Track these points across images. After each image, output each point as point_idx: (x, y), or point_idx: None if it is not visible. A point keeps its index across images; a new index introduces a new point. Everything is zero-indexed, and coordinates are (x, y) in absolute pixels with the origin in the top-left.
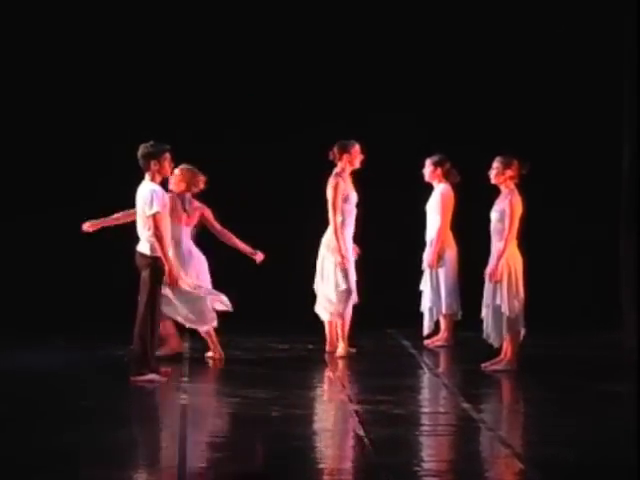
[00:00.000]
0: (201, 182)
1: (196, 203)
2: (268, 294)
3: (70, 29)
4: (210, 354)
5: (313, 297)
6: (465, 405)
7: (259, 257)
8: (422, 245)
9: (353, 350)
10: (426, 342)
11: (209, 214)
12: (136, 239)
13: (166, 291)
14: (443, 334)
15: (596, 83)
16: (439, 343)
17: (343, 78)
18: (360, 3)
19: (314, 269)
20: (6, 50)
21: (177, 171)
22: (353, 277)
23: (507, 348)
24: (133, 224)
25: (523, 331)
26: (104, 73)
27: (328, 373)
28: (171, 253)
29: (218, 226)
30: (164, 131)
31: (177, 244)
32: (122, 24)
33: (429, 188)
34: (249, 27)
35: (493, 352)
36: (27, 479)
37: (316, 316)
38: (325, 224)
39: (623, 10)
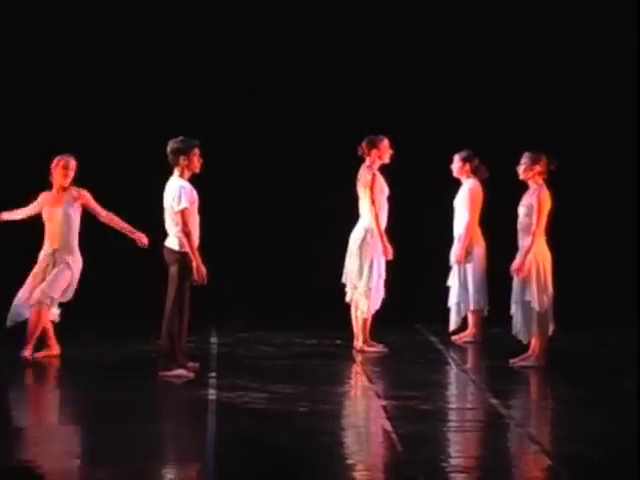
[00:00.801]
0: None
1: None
2: (295, 290)
3: (67, 29)
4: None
5: (340, 292)
6: (493, 401)
7: (143, 240)
8: (450, 241)
9: (383, 347)
10: (454, 338)
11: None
12: (165, 234)
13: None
14: (471, 330)
15: (618, 76)
16: (467, 339)
17: (363, 76)
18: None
19: (342, 264)
20: (4, 49)
21: (60, 162)
22: (383, 273)
23: (535, 344)
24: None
25: (552, 327)
26: (99, 73)
27: (356, 368)
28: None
29: (104, 211)
30: (169, 131)
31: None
32: (118, 26)
33: (457, 184)
34: (252, 27)
35: (521, 348)
36: (58, 473)
37: (343, 311)
38: (353, 219)
39: None
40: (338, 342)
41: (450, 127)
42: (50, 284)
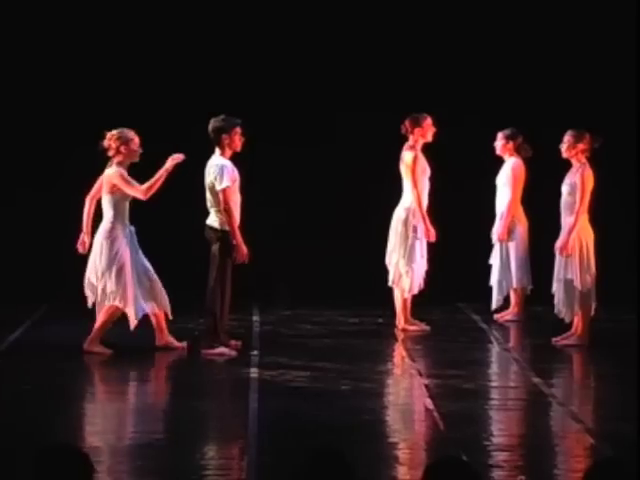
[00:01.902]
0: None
1: None
2: (338, 268)
3: (60, 22)
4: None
5: (383, 270)
6: (535, 380)
7: None
8: (492, 219)
9: (425, 326)
10: (496, 316)
11: None
12: (206, 213)
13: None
14: (513, 308)
15: None
16: (509, 317)
17: (403, 55)
18: None
19: (384, 243)
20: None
21: (114, 144)
22: (425, 253)
23: (578, 323)
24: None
25: (594, 306)
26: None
27: (398, 347)
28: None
29: None
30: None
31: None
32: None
33: (500, 162)
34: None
35: (564, 327)
36: (102, 451)
37: (386, 290)
38: (397, 197)
39: None
40: (380, 320)
41: (493, 105)
42: None
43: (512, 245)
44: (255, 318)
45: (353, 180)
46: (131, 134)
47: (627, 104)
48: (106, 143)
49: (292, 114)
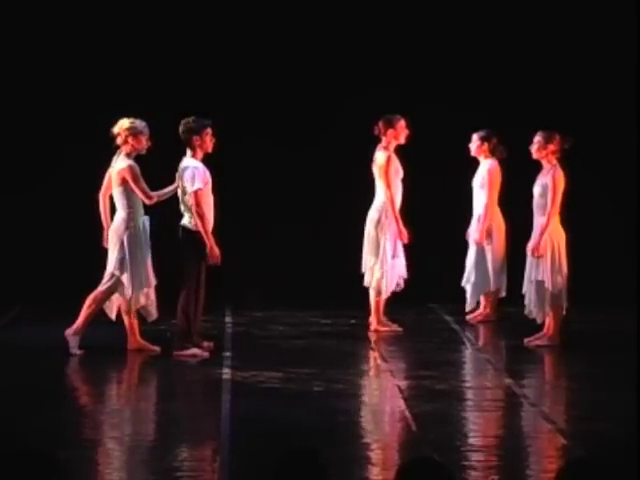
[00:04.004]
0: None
1: None
2: (311, 269)
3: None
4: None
5: (356, 271)
6: (508, 380)
7: None
8: (465, 220)
9: (397, 327)
10: (468, 317)
11: None
12: (180, 215)
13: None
14: (485, 309)
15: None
16: (481, 318)
17: (380, 57)
18: None
19: (358, 244)
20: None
21: (123, 133)
22: (399, 253)
23: (550, 323)
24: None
25: (565, 306)
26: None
27: (370, 348)
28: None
29: None
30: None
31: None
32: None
33: (475, 163)
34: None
35: (535, 327)
36: (69, 448)
37: (358, 291)
38: (371, 199)
39: None
40: (353, 322)
41: (469, 105)
42: None
43: (489, 248)
44: (228, 319)
45: (326, 181)
46: (141, 127)
47: (598, 103)
48: (115, 131)
49: (265, 114)
